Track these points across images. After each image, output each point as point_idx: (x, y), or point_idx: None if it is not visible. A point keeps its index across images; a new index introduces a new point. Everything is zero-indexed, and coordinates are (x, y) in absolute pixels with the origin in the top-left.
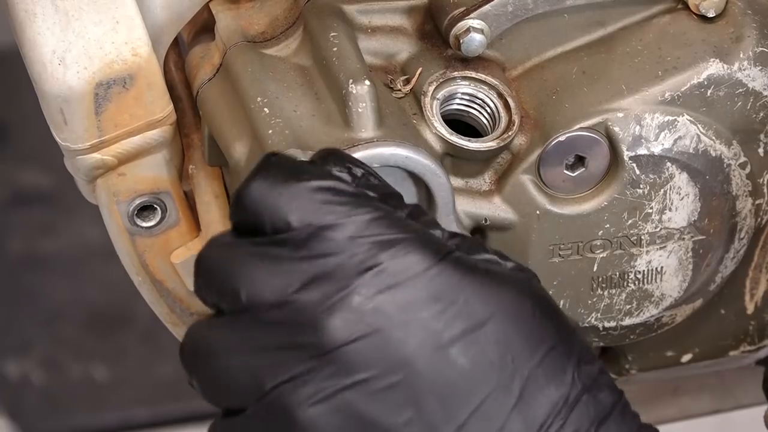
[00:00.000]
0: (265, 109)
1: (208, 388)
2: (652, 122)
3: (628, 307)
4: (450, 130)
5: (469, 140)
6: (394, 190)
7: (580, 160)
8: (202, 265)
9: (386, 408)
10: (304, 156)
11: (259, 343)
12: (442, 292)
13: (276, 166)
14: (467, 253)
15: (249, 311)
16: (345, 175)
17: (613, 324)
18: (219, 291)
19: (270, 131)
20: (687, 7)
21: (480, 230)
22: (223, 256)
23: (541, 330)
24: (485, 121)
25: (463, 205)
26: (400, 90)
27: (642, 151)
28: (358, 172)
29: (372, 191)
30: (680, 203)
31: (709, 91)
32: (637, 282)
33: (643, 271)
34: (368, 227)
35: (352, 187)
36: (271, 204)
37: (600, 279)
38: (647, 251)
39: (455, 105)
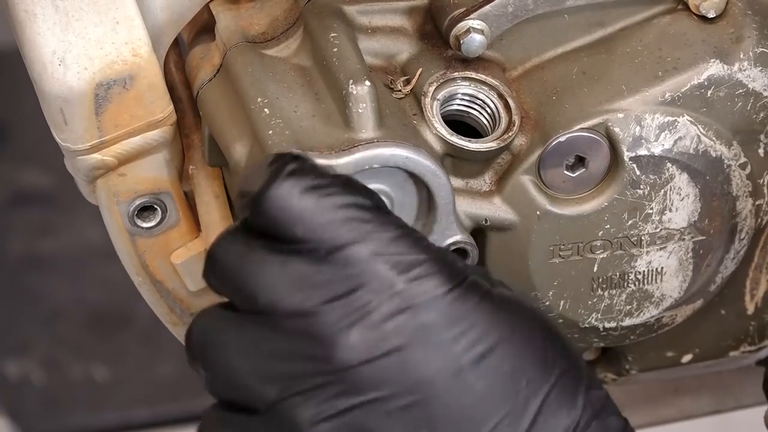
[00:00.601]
0: (266, 110)
1: (214, 381)
2: (653, 123)
3: (628, 307)
4: (450, 131)
5: (469, 141)
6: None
7: (580, 161)
8: (215, 259)
9: (398, 429)
10: (304, 157)
11: (273, 350)
12: (461, 316)
13: (299, 173)
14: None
15: (265, 315)
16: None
17: (613, 324)
18: (234, 289)
19: (270, 132)
20: (687, 7)
21: (480, 231)
22: (240, 255)
23: (553, 355)
24: (485, 121)
25: (463, 206)
26: (400, 90)
27: (642, 151)
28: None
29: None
30: (680, 204)
31: (710, 92)
32: (637, 282)
33: (644, 271)
34: (389, 246)
35: (374, 205)
36: (295, 214)
37: (600, 279)
38: (647, 252)
39: (455, 105)
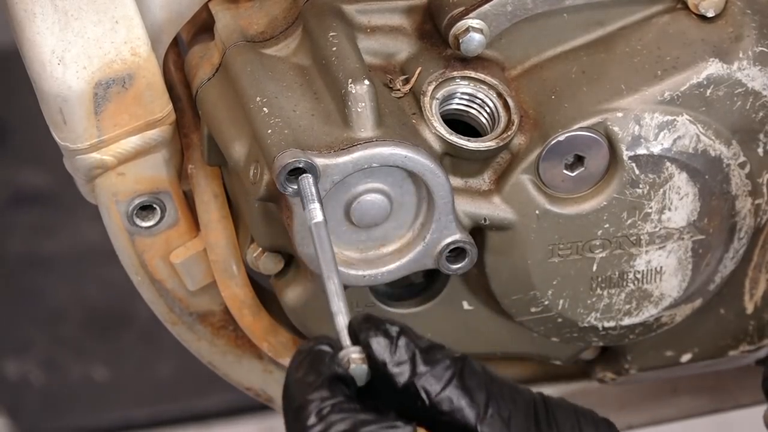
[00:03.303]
0: (265, 109)
1: None
2: (652, 122)
3: (627, 306)
4: (449, 130)
5: (468, 140)
6: (434, 343)
7: (579, 160)
8: None
9: None
10: (303, 156)
11: None
12: None
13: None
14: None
15: None
16: (382, 340)
17: (612, 324)
18: None
19: (269, 131)
20: (686, 6)
21: (479, 230)
22: None
23: None
24: (484, 120)
25: (462, 205)
26: (399, 90)
27: (641, 150)
28: (394, 331)
29: (411, 347)
30: (680, 203)
31: (709, 91)
32: (636, 282)
33: (643, 270)
34: None
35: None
36: None
37: (599, 279)
38: (646, 251)
39: (454, 105)
